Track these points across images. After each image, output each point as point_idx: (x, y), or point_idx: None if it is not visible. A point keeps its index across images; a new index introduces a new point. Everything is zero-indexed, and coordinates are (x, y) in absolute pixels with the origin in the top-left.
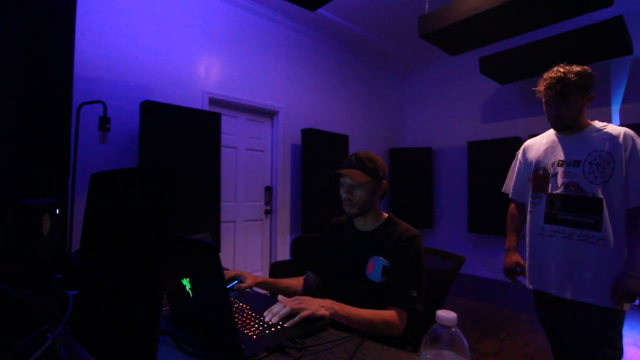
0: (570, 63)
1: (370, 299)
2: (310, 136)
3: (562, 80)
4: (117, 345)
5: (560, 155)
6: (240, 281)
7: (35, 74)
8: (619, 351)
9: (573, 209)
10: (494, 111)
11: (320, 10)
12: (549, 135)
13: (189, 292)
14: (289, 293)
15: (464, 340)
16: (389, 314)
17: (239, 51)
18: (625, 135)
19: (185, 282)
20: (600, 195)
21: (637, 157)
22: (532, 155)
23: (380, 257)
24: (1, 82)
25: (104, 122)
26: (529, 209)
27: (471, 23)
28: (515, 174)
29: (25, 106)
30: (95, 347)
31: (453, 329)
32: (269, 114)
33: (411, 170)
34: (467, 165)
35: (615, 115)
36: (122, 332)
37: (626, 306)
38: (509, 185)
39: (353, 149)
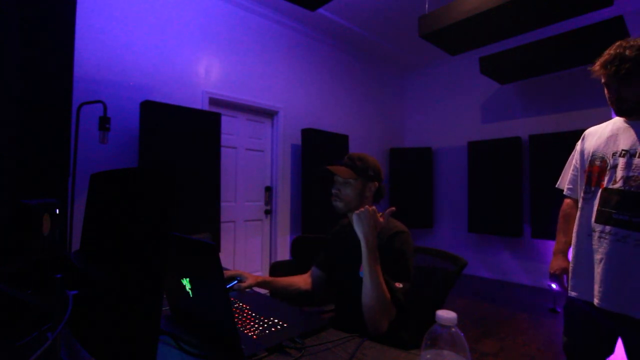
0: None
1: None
2: (310, 136)
3: (619, 56)
4: (117, 345)
5: (625, 144)
6: (240, 281)
7: (35, 75)
8: None
9: (631, 207)
10: (494, 111)
11: (320, 10)
12: (615, 122)
13: (189, 292)
14: (290, 291)
15: (464, 340)
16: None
17: (239, 51)
18: None
19: (185, 282)
20: None
21: None
22: (592, 144)
23: None
24: (1, 82)
25: (104, 122)
26: (579, 205)
27: (471, 23)
28: (571, 167)
29: (25, 106)
30: (95, 347)
31: (453, 329)
32: (269, 114)
33: (411, 170)
34: (467, 165)
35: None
36: (122, 332)
37: None
38: (564, 180)
39: (353, 149)
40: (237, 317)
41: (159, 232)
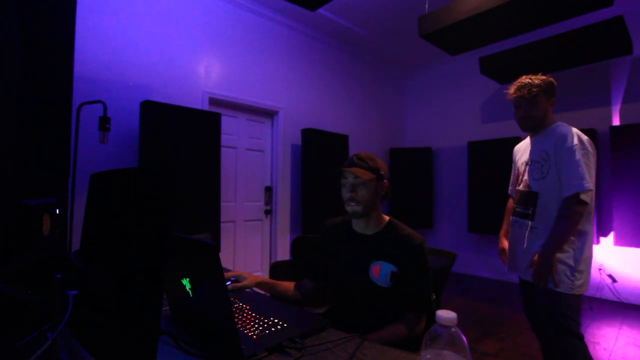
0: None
1: (376, 303)
2: (310, 136)
3: (530, 84)
4: (117, 345)
5: (527, 156)
6: (236, 280)
7: (35, 74)
8: (569, 332)
9: (522, 202)
10: (494, 111)
11: (320, 10)
12: (528, 139)
13: (189, 292)
14: (290, 296)
15: (464, 340)
16: (405, 326)
17: (239, 51)
18: (561, 134)
19: (185, 282)
20: (537, 190)
21: (566, 153)
22: (516, 157)
23: (385, 262)
24: (1, 82)
25: (104, 122)
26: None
27: (471, 23)
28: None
29: (25, 106)
30: (95, 347)
31: (453, 329)
32: (269, 114)
33: (411, 170)
34: (467, 165)
35: (615, 115)
36: (122, 332)
37: (577, 290)
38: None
39: (353, 149)
40: (237, 317)
41: (159, 232)
